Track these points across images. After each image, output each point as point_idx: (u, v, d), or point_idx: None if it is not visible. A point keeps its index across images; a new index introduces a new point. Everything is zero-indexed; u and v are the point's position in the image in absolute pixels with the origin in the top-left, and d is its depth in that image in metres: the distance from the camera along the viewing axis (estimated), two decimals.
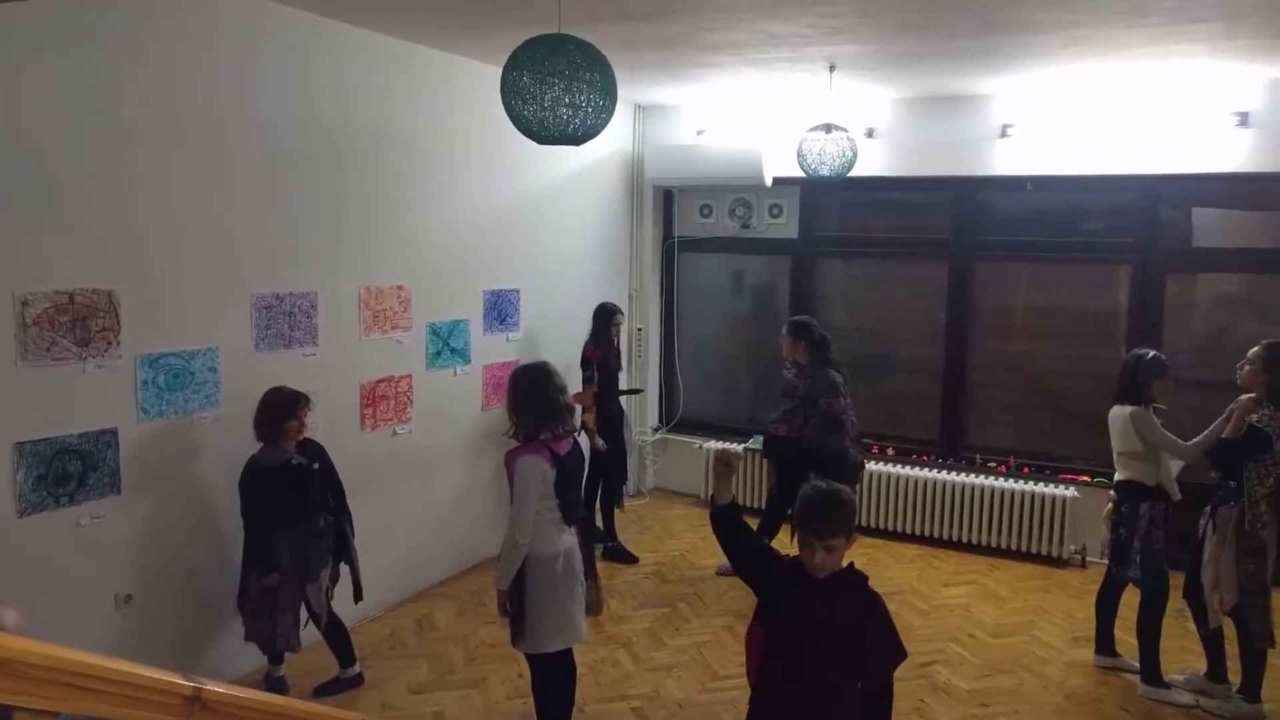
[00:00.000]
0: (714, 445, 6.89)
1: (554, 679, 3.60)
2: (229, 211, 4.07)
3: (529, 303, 5.95)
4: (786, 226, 6.89)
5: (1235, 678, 4.18)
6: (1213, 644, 4.22)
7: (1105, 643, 4.56)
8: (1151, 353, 4.32)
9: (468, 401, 5.56)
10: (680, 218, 7.29)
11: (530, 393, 3.43)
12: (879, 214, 6.90)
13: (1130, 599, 4.39)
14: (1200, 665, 4.32)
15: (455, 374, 5.43)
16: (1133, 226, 5.87)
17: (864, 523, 6.37)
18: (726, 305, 7.40)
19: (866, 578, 2.53)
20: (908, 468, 6.36)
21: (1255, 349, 4.04)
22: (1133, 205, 5.86)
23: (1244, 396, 4.06)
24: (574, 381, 5.23)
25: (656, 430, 7.39)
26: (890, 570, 5.82)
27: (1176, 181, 5.62)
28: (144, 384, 3.76)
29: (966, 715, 4.10)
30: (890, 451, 6.57)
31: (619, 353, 6.07)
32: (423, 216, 5.11)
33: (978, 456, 6.33)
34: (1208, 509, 4.12)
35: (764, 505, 5.83)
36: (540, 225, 6.05)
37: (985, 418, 6.48)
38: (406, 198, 4.99)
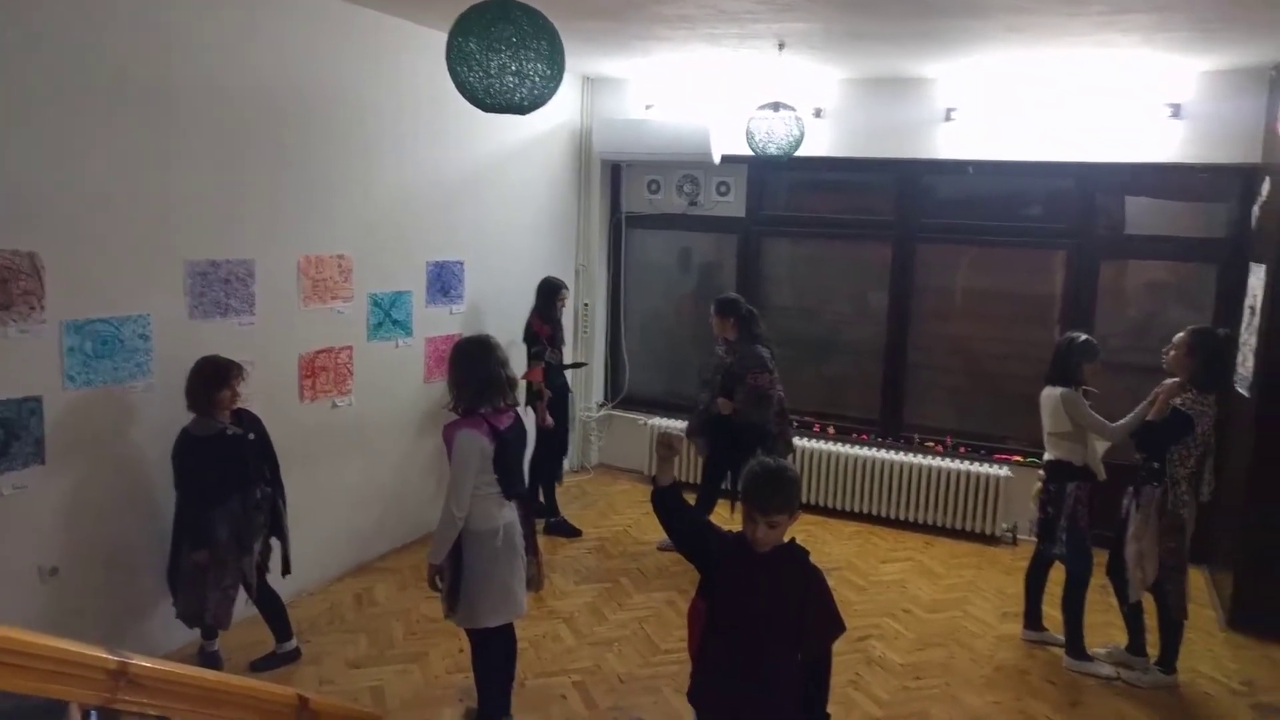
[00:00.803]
0: (659, 422, 6.92)
1: (494, 653, 3.59)
2: (163, 175, 3.93)
3: (473, 275, 5.88)
4: (734, 205, 6.91)
5: (1154, 650, 4.35)
6: (1133, 618, 4.38)
7: (1033, 618, 4.70)
8: (1083, 336, 4.43)
9: (409, 374, 5.48)
10: (628, 193, 7.26)
11: (471, 366, 3.39)
12: (825, 194, 6.95)
13: (1058, 575, 4.52)
14: (1121, 639, 4.49)
15: (397, 346, 5.35)
16: (1069, 213, 6.00)
17: (804, 500, 6.46)
18: (673, 282, 7.41)
19: (807, 552, 2.56)
20: (848, 446, 6.46)
21: (1180, 334, 4.16)
22: (1069, 192, 5.99)
23: (1169, 380, 4.18)
24: (516, 357, 5.19)
25: (601, 406, 7.38)
26: (829, 546, 5.92)
27: (1111, 170, 5.76)
28: (70, 350, 3.63)
29: (900, 687, 4.20)
30: (831, 430, 6.66)
31: (562, 328, 6.05)
32: (365, 184, 5.00)
33: (916, 436, 6.45)
34: (1131, 489, 4.26)
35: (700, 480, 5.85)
36: (486, 196, 5.97)
37: (924, 398, 6.60)
38: (349, 164, 4.88)
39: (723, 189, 6.90)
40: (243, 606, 4.02)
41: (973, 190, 6.33)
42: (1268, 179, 5.06)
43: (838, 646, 2.61)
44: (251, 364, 4.13)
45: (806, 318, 6.90)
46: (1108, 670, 4.37)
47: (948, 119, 5.97)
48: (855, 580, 5.40)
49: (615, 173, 7.24)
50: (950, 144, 6.01)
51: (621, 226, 7.27)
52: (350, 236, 4.92)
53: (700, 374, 5.81)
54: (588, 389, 7.26)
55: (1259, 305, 4.91)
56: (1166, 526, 4.11)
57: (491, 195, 6.02)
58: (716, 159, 6.38)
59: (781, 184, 6.92)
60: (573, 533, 5.91)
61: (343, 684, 4.03)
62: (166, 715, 1.42)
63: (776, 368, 5.34)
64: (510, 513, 3.48)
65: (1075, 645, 4.44)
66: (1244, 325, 5.20)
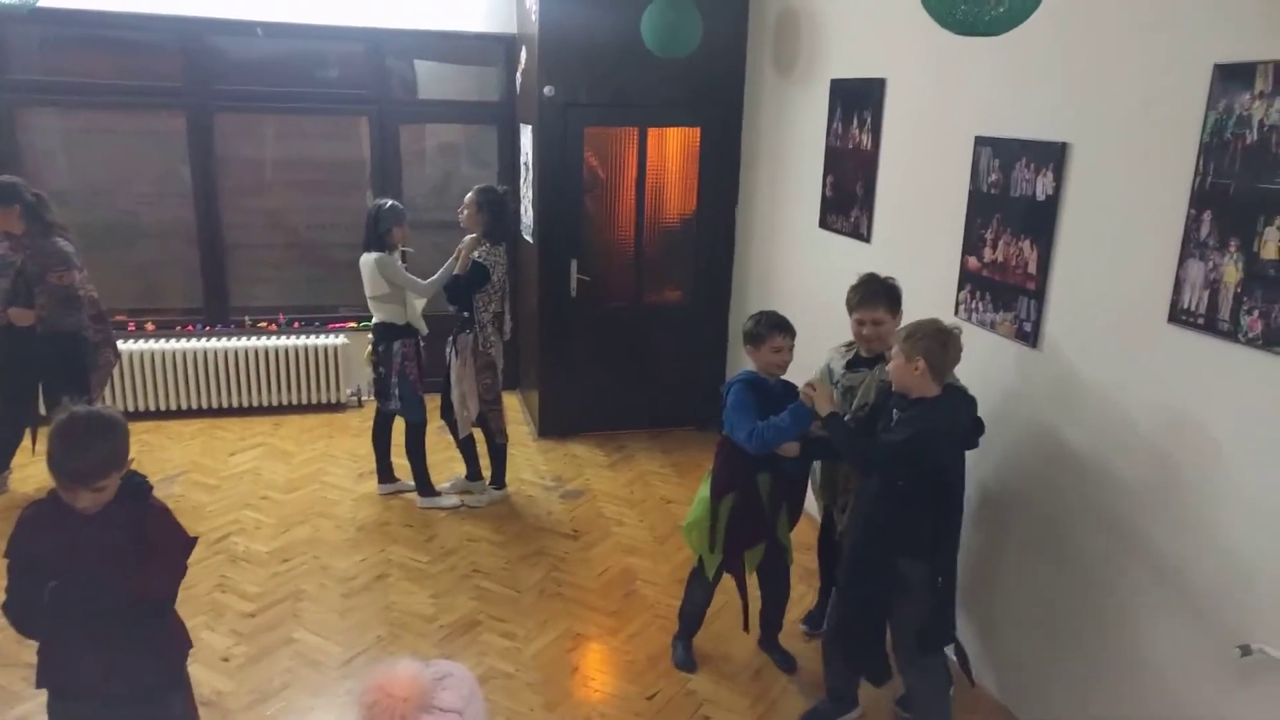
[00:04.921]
0: None
1: None
2: None
3: None
4: None
5: (488, 473, 4.99)
6: (467, 450, 4.95)
7: (384, 472, 5.00)
8: (390, 202, 4.63)
9: None
10: None
11: None
12: (96, 56, 5.90)
13: (402, 427, 4.84)
14: (462, 470, 5.06)
15: None
16: (366, 79, 6.08)
17: (134, 407, 5.83)
18: None
19: (145, 489, 2.28)
20: (173, 341, 5.92)
21: (470, 194, 4.60)
22: (363, 57, 6.05)
23: (468, 236, 4.64)
24: None
25: None
26: (169, 452, 5.46)
27: (396, 36, 5.95)
28: None
29: (269, 576, 4.15)
30: (150, 326, 6.01)
31: None
32: None
33: (246, 318, 6.18)
34: (450, 338, 4.71)
35: None
36: None
37: (249, 277, 6.30)
38: None
39: None
40: None
41: (268, 54, 5.98)
42: (524, 48, 5.76)
43: (197, 554, 2.44)
44: None
45: (96, 203, 5.95)
46: (453, 500, 4.91)
47: None
48: (205, 480, 5.10)
49: None
50: (233, 1, 5.56)
51: None
52: None
53: None
54: None
55: (531, 162, 5.67)
56: (481, 366, 4.67)
57: None
58: None
59: (30, 41, 5.68)
60: None
61: None
62: None
63: (84, 262, 4.61)
64: None
65: (423, 485, 4.88)
66: (523, 180, 5.98)
